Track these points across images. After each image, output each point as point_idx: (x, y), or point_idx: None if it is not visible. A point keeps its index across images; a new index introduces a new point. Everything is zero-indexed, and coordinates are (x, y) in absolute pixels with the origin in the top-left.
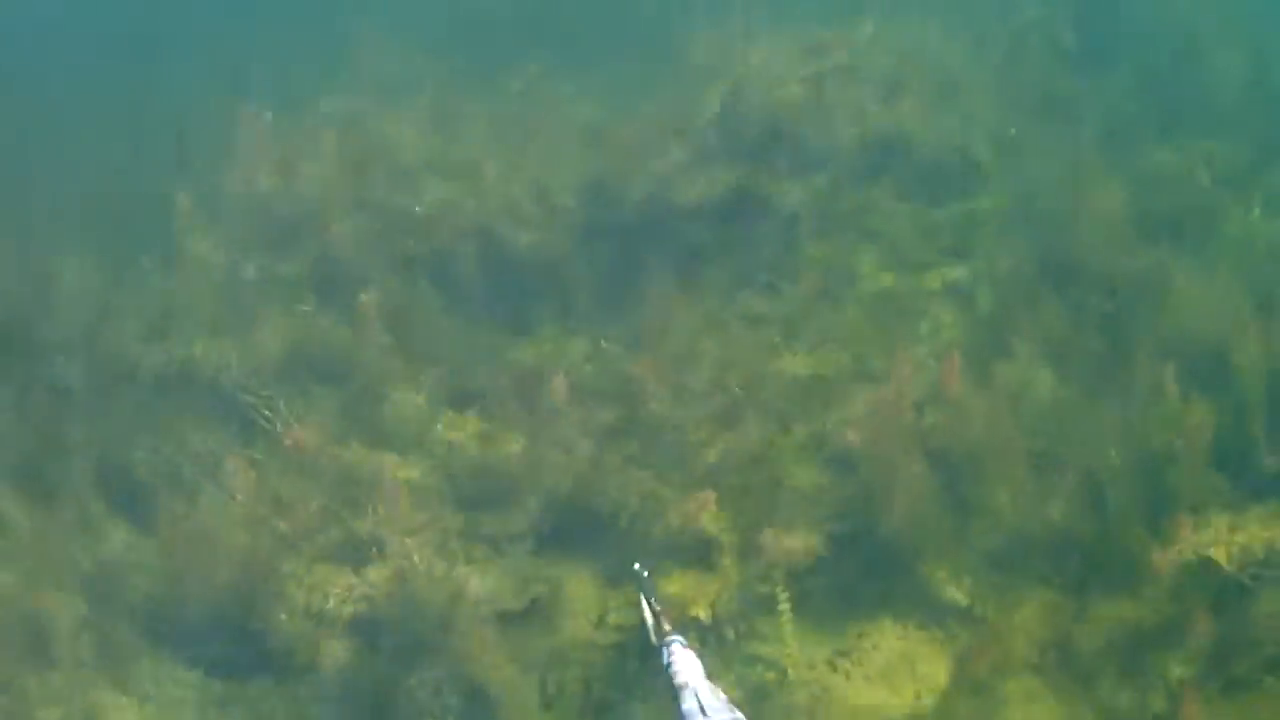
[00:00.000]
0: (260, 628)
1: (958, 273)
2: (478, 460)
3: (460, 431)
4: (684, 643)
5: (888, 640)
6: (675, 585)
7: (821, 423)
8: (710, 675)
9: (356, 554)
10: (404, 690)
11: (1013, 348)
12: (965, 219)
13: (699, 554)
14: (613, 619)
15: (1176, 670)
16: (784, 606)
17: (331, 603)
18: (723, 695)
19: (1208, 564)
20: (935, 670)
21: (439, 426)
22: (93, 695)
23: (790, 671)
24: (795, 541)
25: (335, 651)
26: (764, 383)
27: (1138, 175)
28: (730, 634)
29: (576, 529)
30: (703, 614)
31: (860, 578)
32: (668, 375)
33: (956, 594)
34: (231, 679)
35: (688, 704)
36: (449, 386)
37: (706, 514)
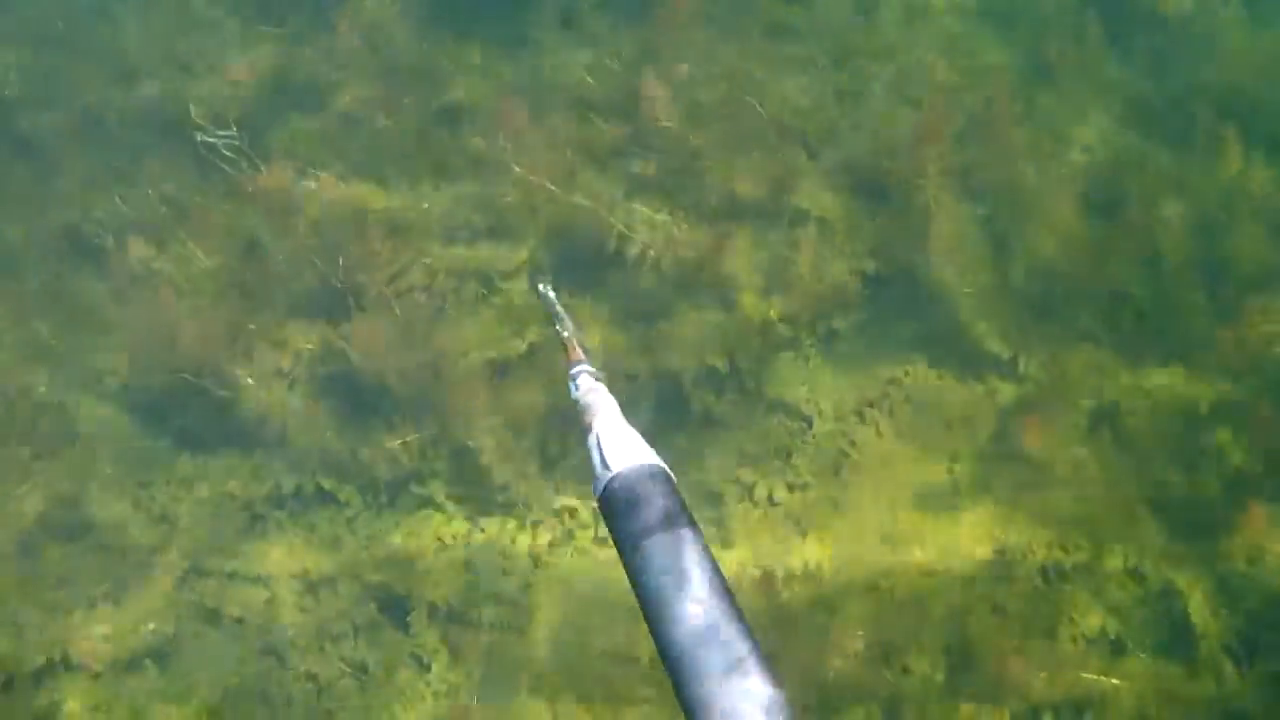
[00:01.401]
0: (228, 395)
1: None
2: (468, 192)
3: (449, 150)
4: (594, 374)
5: (922, 389)
6: (689, 327)
7: (852, 148)
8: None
9: (332, 305)
10: (386, 454)
11: (1057, 80)
12: None
13: (716, 294)
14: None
15: (1236, 457)
16: (810, 350)
17: (304, 361)
18: (637, 438)
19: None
20: (972, 429)
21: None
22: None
23: (815, 421)
24: (823, 280)
25: (309, 415)
26: (786, 102)
27: None
28: (750, 383)
29: (580, 265)
30: (719, 362)
31: (894, 317)
32: (681, 90)
33: (998, 345)
34: (200, 451)
35: (591, 447)
36: (437, 106)
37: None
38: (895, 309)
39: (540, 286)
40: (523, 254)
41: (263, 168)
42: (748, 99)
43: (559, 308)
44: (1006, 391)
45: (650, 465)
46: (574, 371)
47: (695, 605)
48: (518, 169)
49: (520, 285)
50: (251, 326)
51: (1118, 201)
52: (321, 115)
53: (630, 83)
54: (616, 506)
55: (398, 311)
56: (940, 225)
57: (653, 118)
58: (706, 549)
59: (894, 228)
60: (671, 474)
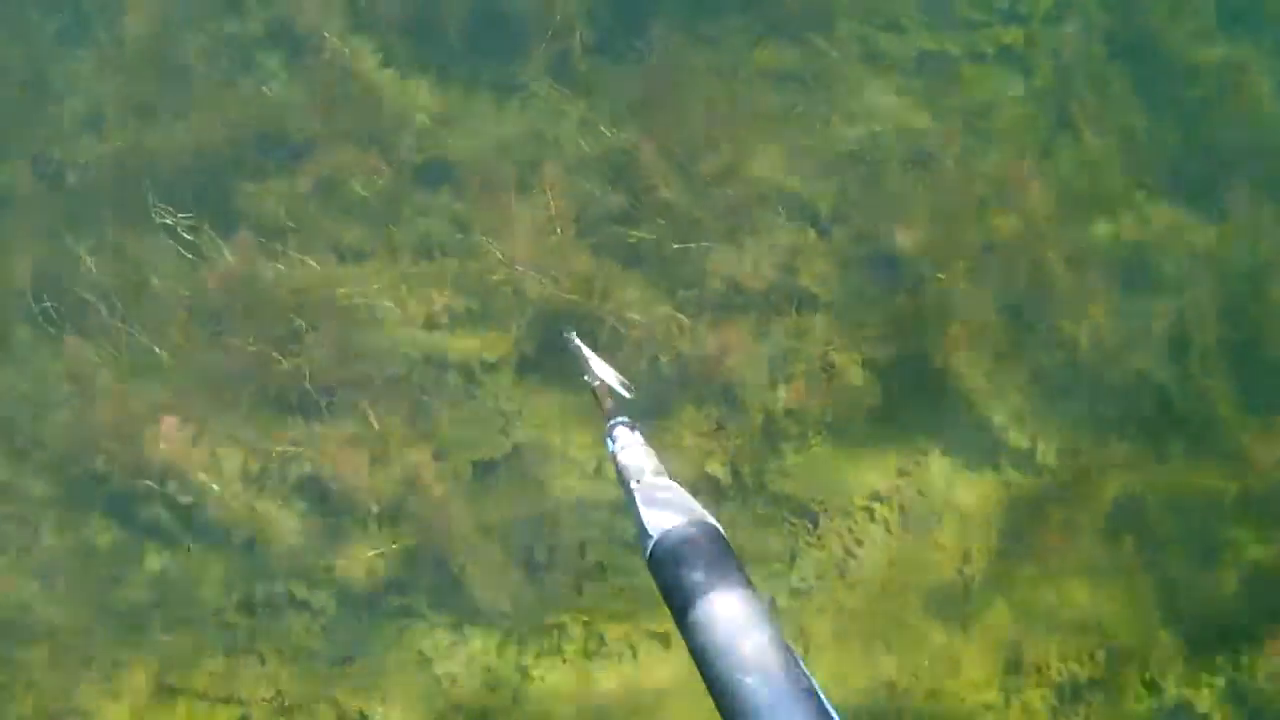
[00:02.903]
0: (193, 500)
1: (1013, 36)
2: (450, 270)
3: (431, 219)
4: (630, 424)
5: (935, 482)
6: (687, 425)
7: (864, 222)
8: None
9: (303, 401)
10: (361, 563)
11: (1081, 140)
12: None
13: (717, 387)
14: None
15: (1255, 553)
16: (816, 442)
17: (273, 462)
18: (679, 493)
19: None
20: (986, 525)
21: (406, 210)
22: None
23: (821, 520)
24: (832, 370)
25: (280, 522)
26: (793, 168)
27: None
28: (751, 479)
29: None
30: (719, 469)
31: (905, 403)
32: (677, 154)
33: (1016, 436)
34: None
35: (632, 509)
36: (416, 167)
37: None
38: (907, 395)
39: (566, 334)
40: (508, 343)
41: (225, 249)
42: (753, 171)
43: (590, 356)
44: (1023, 484)
45: (694, 525)
46: (610, 424)
47: (752, 677)
48: (500, 255)
49: (504, 379)
50: (215, 425)
51: (1145, 278)
52: (291, 178)
53: (624, 145)
54: (665, 569)
55: (370, 412)
56: (956, 307)
57: (649, 187)
58: (764, 610)
59: (907, 310)
60: (720, 528)
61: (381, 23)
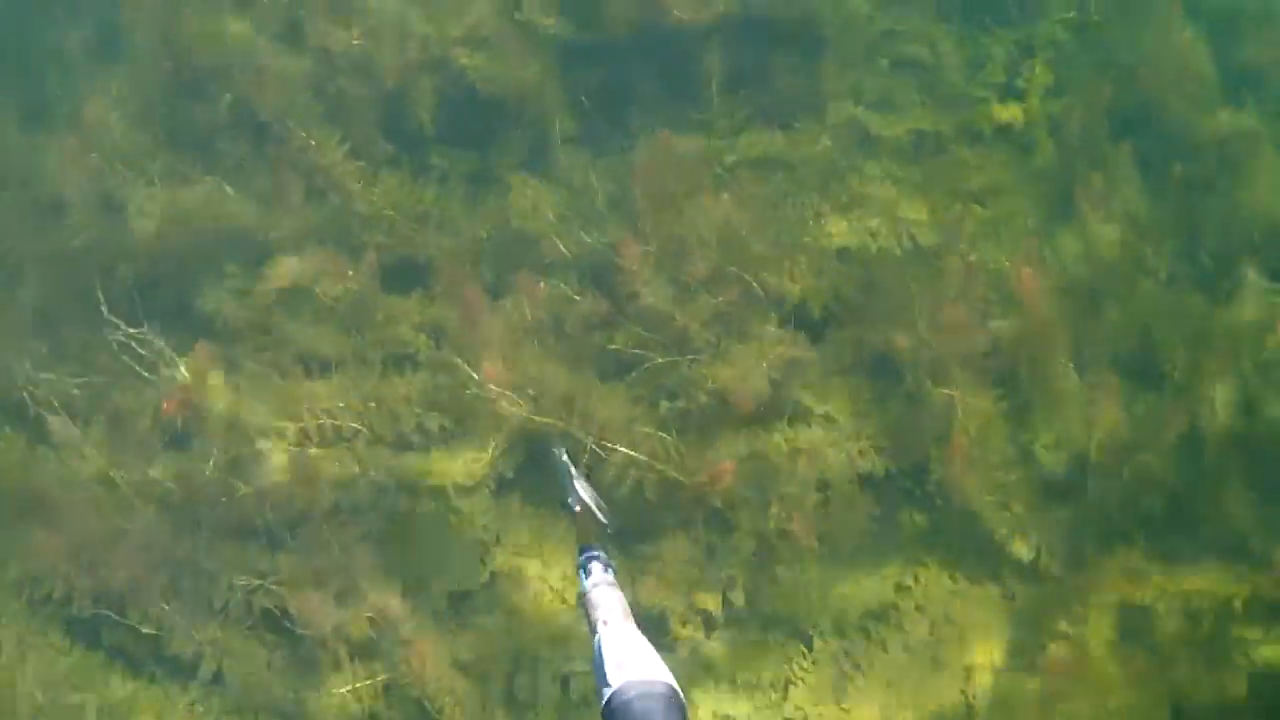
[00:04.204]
0: (157, 631)
1: (1011, 113)
2: (423, 384)
3: (403, 326)
4: (605, 561)
5: (935, 597)
6: (674, 554)
7: (861, 325)
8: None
9: (270, 530)
10: (333, 699)
11: (1080, 215)
12: (1019, 49)
13: (705, 510)
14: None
15: (1266, 652)
16: (810, 560)
17: (238, 595)
18: (645, 648)
19: None
20: (988, 639)
21: (377, 315)
22: None
23: (815, 641)
24: (827, 486)
25: (247, 655)
26: (784, 267)
27: (1217, 13)
28: (743, 602)
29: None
30: (711, 605)
31: (903, 514)
32: (662, 254)
33: (1020, 547)
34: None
35: (595, 653)
36: (393, 259)
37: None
38: (904, 507)
39: (556, 451)
40: (484, 464)
41: (181, 366)
42: (742, 272)
43: (576, 479)
44: (1027, 595)
45: (654, 685)
46: (584, 559)
47: None
48: (472, 373)
49: (480, 503)
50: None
51: (1153, 371)
52: (255, 281)
53: (605, 244)
54: None
55: (335, 544)
56: (956, 414)
57: (632, 293)
58: None
59: (905, 419)
60: (680, 694)
61: (350, 111)
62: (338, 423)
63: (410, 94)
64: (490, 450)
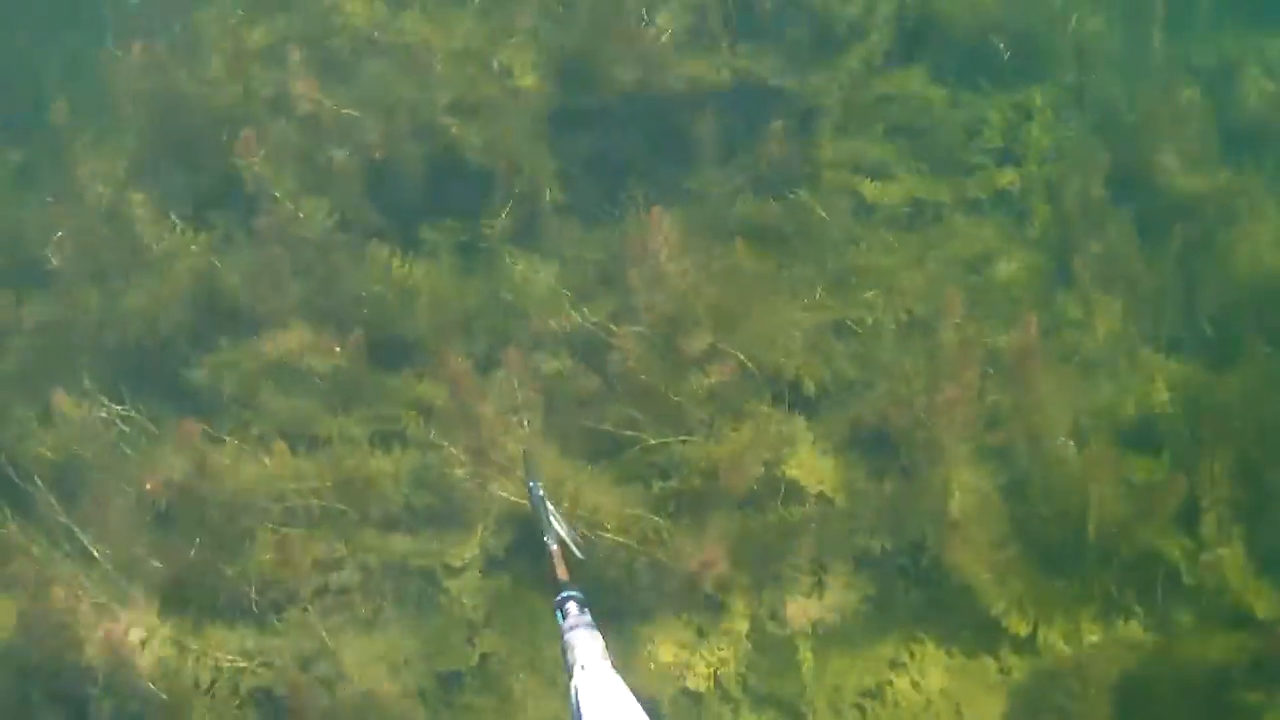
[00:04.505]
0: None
1: (1008, 179)
2: (412, 463)
3: (391, 403)
4: (581, 601)
5: (930, 674)
6: (667, 651)
7: (856, 400)
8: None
9: (252, 612)
10: None
11: (1080, 284)
12: (1017, 112)
13: (697, 596)
14: None
15: (1270, 717)
16: (802, 641)
17: (225, 674)
18: (621, 692)
19: None
20: (983, 715)
21: (366, 392)
22: None
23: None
24: (821, 569)
25: None
26: (776, 343)
27: (1215, 71)
28: (735, 688)
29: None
30: (703, 685)
31: (898, 589)
32: (654, 329)
33: (1017, 621)
34: None
35: (571, 696)
36: (381, 335)
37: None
38: (901, 580)
39: (531, 484)
40: (473, 545)
41: (167, 445)
42: (736, 347)
43: (552, 515)
44: (1024, 670)
45: None
46: (560, 598)
47: None
48: (461, 456)
49: (470, 584)
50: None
51: (1152, 441)
52: (241, 356)
53: (597, 318)
54: None
55: (321, 628)
56: (954, 491)
57: (624, 372)
58: None
59: (901, 498)
60: None
61: (338, 181)
62: (324, 503)
63: (399, 164)
64: (479, 531)
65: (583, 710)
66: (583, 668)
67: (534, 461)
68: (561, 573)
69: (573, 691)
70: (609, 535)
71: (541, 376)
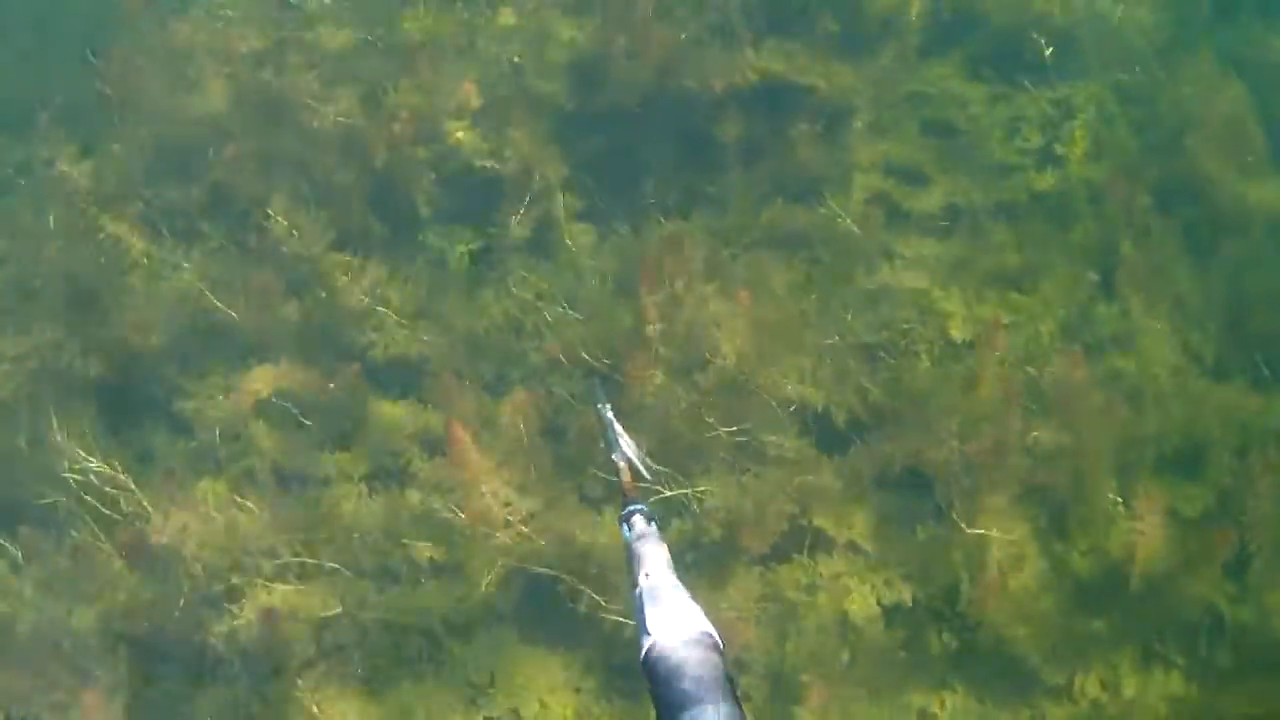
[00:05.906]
0: None
1: (1048, 181)
2: (410, 510)
3: (393, 436)
4: (648, 514)
5: None
6: None
7: (886, 435)
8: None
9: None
10: None
11: (1124, 302)
12: (1058, 110)
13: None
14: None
15: None
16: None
17: None
18: (684, 599)
19: None
20: None
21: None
22: None
23: None
24: (847, 622)
25: None
26: (801, 372)
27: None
28: None
29: (549, 615)
30: None
31: (929, 635)
32: (672, 361)
33: (1052, 672)
34: None
35: (635, 606)
36: (383, 359)
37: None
38: (930, 633)
39: (599, 406)
40: (477, 600)
41: (150, 513)
42: (758, 378)
43: (617, 430)
44: (1060, 716)
45: (694, 633)
46: (626, 512)
47: None
48: (464, 517)
49: (474, 643)
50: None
51: (1198, 474)
52: (232, 387)
53: (609, 351)
54: (656, 675)
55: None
56: (990, 535)
57: (639, 406)
58: None
59: (934, 544)
60: (719, 640)
61: (336, 195)
62: (316, 560)
63: (401, 172)
64: (483, 584)
65: (646, 615)
66: (647, 575)
67: (603, 386)
68: (629, 488)
69: (637, 597)
70: (620, 595)
71: (550, 413)
